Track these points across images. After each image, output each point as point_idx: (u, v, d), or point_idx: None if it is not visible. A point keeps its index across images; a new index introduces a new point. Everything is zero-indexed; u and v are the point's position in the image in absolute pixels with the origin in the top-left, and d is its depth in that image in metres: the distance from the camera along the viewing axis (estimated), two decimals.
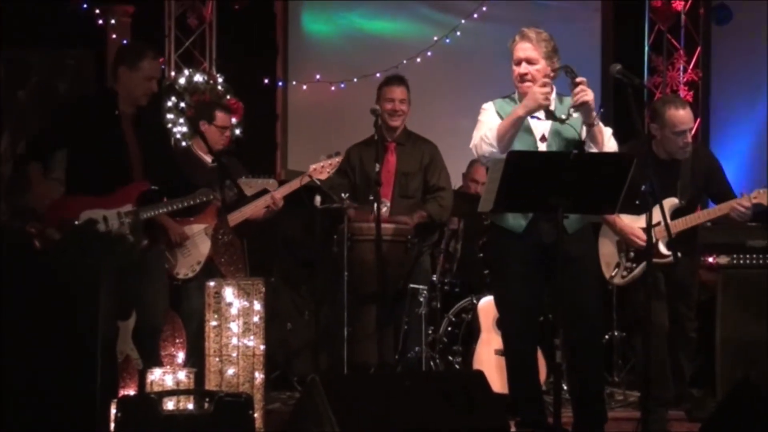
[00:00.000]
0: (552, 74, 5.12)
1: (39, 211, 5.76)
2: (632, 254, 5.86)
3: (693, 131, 5.94)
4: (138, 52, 5.73)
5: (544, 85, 4.99)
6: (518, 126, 5.03)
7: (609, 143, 5.10)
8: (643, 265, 5.70)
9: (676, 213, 5.83)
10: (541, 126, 5.12)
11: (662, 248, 5.74)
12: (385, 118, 6.65)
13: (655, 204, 5.05)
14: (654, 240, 5.60)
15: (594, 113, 4.98)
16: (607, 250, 5.97)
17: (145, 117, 5.81)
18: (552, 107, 5.06)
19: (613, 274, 5.93)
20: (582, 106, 4.94)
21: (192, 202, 5.84)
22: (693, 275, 6.05)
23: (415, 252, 6.65)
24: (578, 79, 4.93)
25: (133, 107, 5.71)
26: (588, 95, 4.91)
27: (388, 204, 6.61)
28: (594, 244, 5.25)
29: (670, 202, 5.79)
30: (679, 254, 5.49)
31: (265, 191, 6.39)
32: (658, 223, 5.38)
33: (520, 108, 5.02)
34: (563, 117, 5.01)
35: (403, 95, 6.76)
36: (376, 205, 5.98)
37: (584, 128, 5.04)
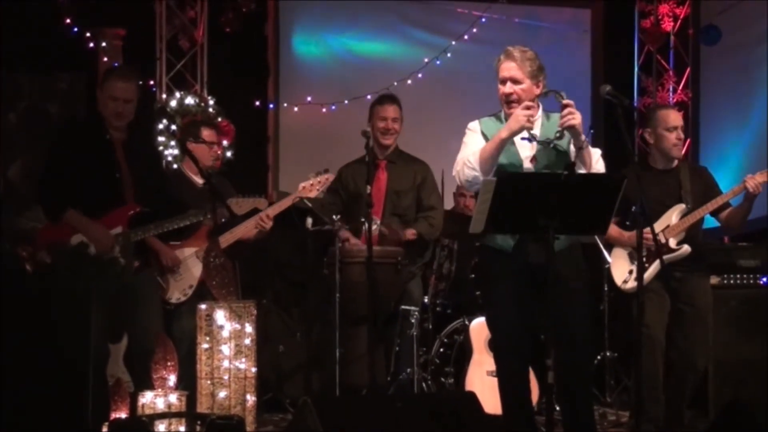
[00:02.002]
0: (537, 94, 5.13)
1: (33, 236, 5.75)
2: (643, 258, 5.90)
3: (684, 150, 6.04)
4: (107, 73, 5.75)
5: (527, 107, 4.99)
6: (501, 149, 5.01)
7: (597, 165, 5.09)
8: (655, 264, 5.82)
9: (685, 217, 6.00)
10: (530, 147, 5.11)
11: (672, 244, 5.91)
12: (378, 137, 6.68)
13: (646, 225, 5.09)
14: (664, 240, 5.84)
15: (583, 136, 4.98)
16: (620, 261, 6.07)
17: (136, 140, 5.81)
18: (538, 126, 5.07)
19: (626, 279, 5.97)
20: (570, 130, 4.95)
21: (182, 224, 5.83)
22: (707, 295, 6.07)
23: (406, 273, 6.65)
24: (565, 102, 4.92)
25: (120, 131, 5.70)
26: (575, 119, 4.90)
27: (379, 222, 6.59)
28: (582, 262, 5.26)
29: (679, 208, 5.96)
30: (687, 246, 5.84)
31: (255, 210, 6.38)
32: (667, 227, 5.87)
33: (503, 131, 4.99)
34: (548, 140, 5.01)
35: (395, 114, 6.78)
36: (366, 226, 5.98)
37: (573, 148, 5.04)
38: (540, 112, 5.14)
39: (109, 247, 5.56)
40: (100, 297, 5.32)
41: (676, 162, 6.08)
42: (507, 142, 5.01)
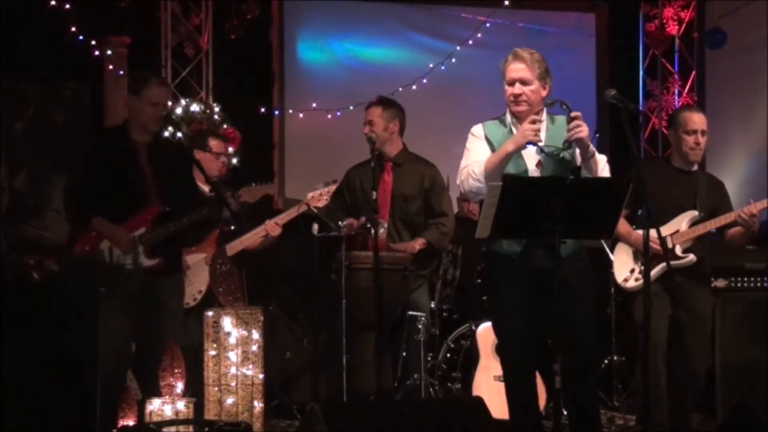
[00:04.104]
0: (544, 96, 5.12)
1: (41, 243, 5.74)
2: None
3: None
4: (143, 80, 5.79)
5: (534, 122, 4.96)
6: (507, 162, 5.00)
7: (603, 173, 5.09)
8: (659, 267, 5.80)
9: (694, 225, 5.98)
10: (536, 152, 5.10)
11: (678, 251, 5.89)
12: None
13: (652, 227, 5.08)
14: (671, 245, 5.83)
15: (590, 146, 4.97)
16: (623, 259, 6.06)
17: (162, 144, 5.84)
18: (543, 130, 5.04)
19: (627, 277, 5.97)
20: (577, 142, 4.94)
21: (196, 217, 5.77)
22: (707, 302, 6.06)
23: (413, 280, 6.63)
24: (573, 114, 4.90)
25: (147, 135, 5.71)
26: (583, 132, 4.88)
27: (386, 225, 6.56)
28: (588, 267, 5.25)
29: (691, 215, 5.95)
30: (693, 256, 5.84)
31: (264, 214, 6.38)
32: (676, 232, 5.85)
33: (509, 144, 4.98)
34: (555, 150, 5.00)
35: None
36: (373, 231, 5.97)
37: (579, 154, 5.04)
38: (545, 116, 5.13)
39: (130, 249, 5.56)
40: (120, 301, 5.36)
41: (695, 166, 6.08)
42: (513, 155, 5.00)
